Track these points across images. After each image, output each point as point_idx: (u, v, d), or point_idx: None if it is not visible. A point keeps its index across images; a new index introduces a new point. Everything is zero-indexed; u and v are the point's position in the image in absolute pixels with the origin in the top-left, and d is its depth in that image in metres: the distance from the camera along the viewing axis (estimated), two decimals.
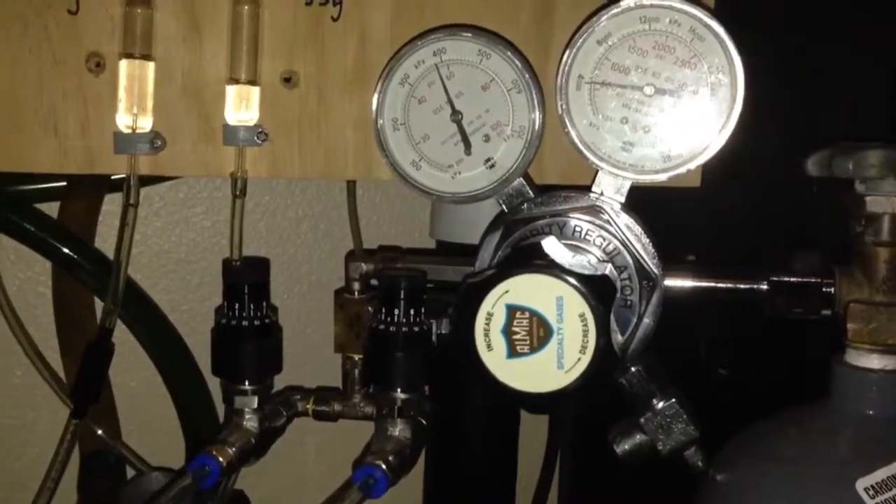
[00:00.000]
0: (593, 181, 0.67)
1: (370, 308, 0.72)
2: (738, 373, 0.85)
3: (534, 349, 0.55)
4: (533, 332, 0.54)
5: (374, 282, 0.74)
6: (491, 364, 0.55)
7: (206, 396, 0.90)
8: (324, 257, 1.05)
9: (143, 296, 0.94)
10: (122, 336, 0.94)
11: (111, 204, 0.94)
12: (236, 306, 0.67)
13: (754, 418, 0.68)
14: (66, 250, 0.88)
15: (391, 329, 0.66)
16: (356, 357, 0.73)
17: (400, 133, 0.69)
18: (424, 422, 0.69)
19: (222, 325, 0.68)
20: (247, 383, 0.69)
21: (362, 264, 0.73)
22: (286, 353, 0.73)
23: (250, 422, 0.69)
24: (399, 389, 0.67)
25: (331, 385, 0.80)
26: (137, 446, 0.92)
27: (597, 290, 0.54)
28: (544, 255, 0.55)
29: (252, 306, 0.67)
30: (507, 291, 0.54)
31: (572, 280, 0.54)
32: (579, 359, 0.54)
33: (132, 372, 0.98)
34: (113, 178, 0.89)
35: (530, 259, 0.55)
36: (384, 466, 0.63)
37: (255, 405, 0.69)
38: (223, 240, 1.01)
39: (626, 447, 0.68)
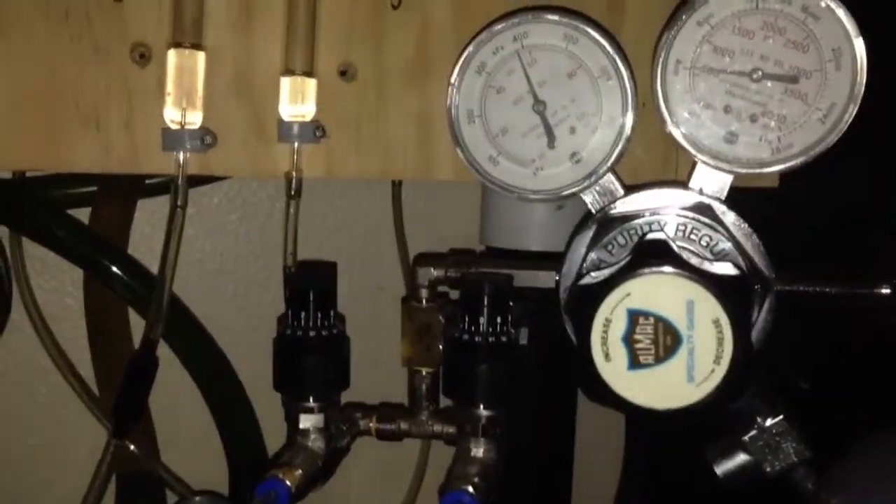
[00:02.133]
0: (689, 176, 0.60)
1: (441, 317, 0.64)
2: (821, 386, 0.77)
3: (659, 359, 0.47)
4: (659, 341, 0.47)
5: (444, 289, 0.66)
6: (609, 376, 0.48)
7: (249, 414, 0.82)
8: (364, 265, 0.96)
9: (184, 311, 0.85)
10: (160, 352, 0.86)
11: (142, 210, 0.86)
12: (301, 315, 0.59)
13: (840, 436, 0.61)
14: (98, 257, 0.80)
15: (475, 339, 0.58)
16: (425, 371, 0.66)
17: (476, 126, 0.61)
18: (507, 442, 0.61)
19: (286, 336, 0.60)
20: (312, 400, 0.60)
21: (432, 269, 0.65)
22: None
23: (316, 442, 0.61)
24: (483, 405, 0.59)
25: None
26: (177, 468, 0.84)
27: (733, 292, 0.46)
28: (671, 254, 0.48)
29: (319, 315, 0.59)
30: (628, 294, 0.47)
31: (706, 281, 0.46)
32: (713, 371, 0.47)
33: (169, 388, 0.89)
34: (147, 182, 0.81)
35: (654, 258, 0.48)
36: (472, 490, 0.55)
37: (322, 424, 0.61)
38: (259, 247, 0.93)
39: (729, 468, 0.60)
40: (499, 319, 0.58)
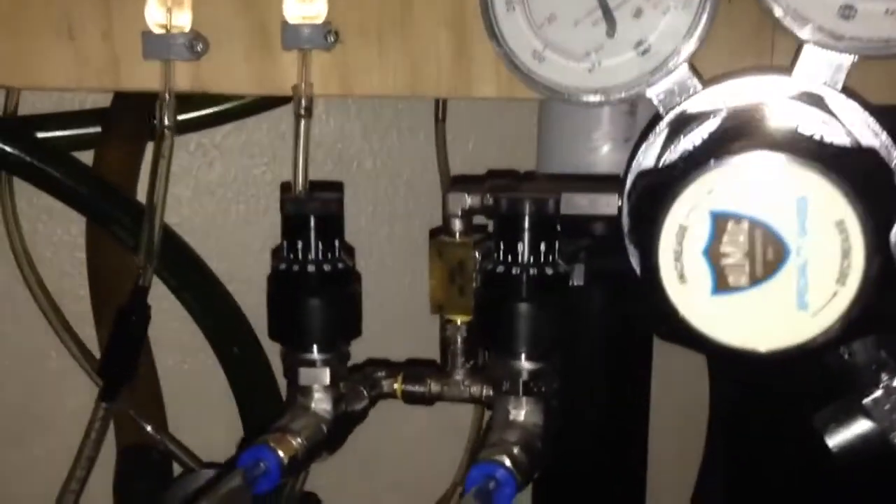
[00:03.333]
0: (793, 64, 0.45)
1: (478, 253, 0.51)
2: None
3: (757, 280, 0.33)
4: (755, 254, 0.33)
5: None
6: (685, 304, 0.34)
7: (270, 380, 0.70)
8: (396, 197, 0.84)
9: (196, 261, 0.74)
10: (172, 309, 0.76)
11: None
12: (299, 245, 0.47)
13: None
14: (101, 204, 0.69)
15: (513, 270, 0.45)
16: (459, 320, 0.53)
17: (516, 14, 0.49)
18: (556, 405, 0.48)
19: (281, 272, 0.48)
20: (315, 350, 0.48)
21: (466, 196, 0.52)
22: None
23: (321, 403, 0.49)
24: (525, 356, 0.46)
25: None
26: (187, 439, 0.73)
27: (866, 182, 0.32)
28: (770, 131, 0.33)
29: (321, 245, 0.47)
30: (711, 191, 0.33)
31: (826, 167, 0.32)
32: (835, 294, 0.32)
33: (181, 351, 0.79)
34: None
35: (747, 138, 0.33)
36: (508, 463, 0.42)
37: (328, 380, 0.48)
38: None
39: (845, 438, 0.45)
40: (543, 247, 0.45)
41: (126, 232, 0.68)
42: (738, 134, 0.34)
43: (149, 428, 0.66)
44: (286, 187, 0.50)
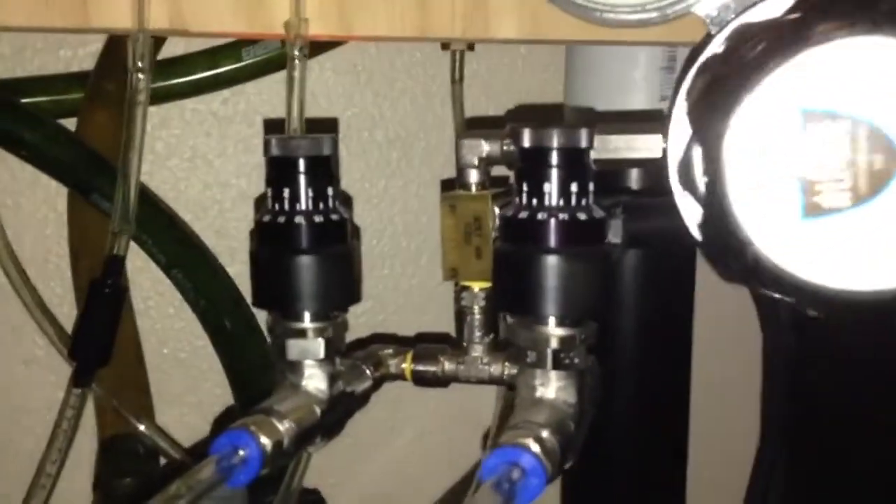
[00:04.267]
0: None
1: (497, 209, 0.43)
2: None
3: (860, 198, 0.25)
4: (859, 164, 0.25)
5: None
6: (762, 233, 0.26)
7: (268, 365, 0.63)
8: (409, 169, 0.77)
9: (188, 236, 0.67)
10: (163, 290, 0.69)
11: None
12: (286, 193, 0.39)
13: None
14: (82, 173, 0.62)
15: (539, 217, 0.37)
16: (477, 287, 0.45)
17: None
18: (592, 381, 0.40)
19: (265, 224, 0.40)
20: (307, 318, 0.40)
21: (483, 142, 0.44)
22: None
23: (313, 380, 0.41)
24: (554, 321, 0.38)
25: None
26: (176, 431, 0.65)
27: None
28: (873, 6, 0.25)
29: (311, 193, 0.39)
30: (800, 82, 0.25)
31: None
32: None
33: (171, 334, 0.72)
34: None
35: (843, 12, 0.25)
36: (535, 448, 0.34)
37: (322, 353, 0.41)
38: None
39: None
40: (574, 187, 0.37)
41: (110, 203, 0.61)
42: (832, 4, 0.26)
43: (133, 419, 0.58)
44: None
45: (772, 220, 0.25)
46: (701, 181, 0.37)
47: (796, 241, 0.25)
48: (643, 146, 0.41)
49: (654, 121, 0.46)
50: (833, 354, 0.45)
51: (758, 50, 0.25)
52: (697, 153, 0.36)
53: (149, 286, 0.72)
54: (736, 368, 0.78)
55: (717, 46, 0.37)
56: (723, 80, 0.25)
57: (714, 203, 0.25)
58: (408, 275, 0.76)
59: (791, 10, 0.27)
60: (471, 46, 0.69)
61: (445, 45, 0.70)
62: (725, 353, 0.78)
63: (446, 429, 0.76)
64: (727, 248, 0.26)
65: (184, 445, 0.64)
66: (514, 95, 0.76)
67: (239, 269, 0.71)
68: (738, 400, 0.75)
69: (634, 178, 0.60)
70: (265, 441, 0.37)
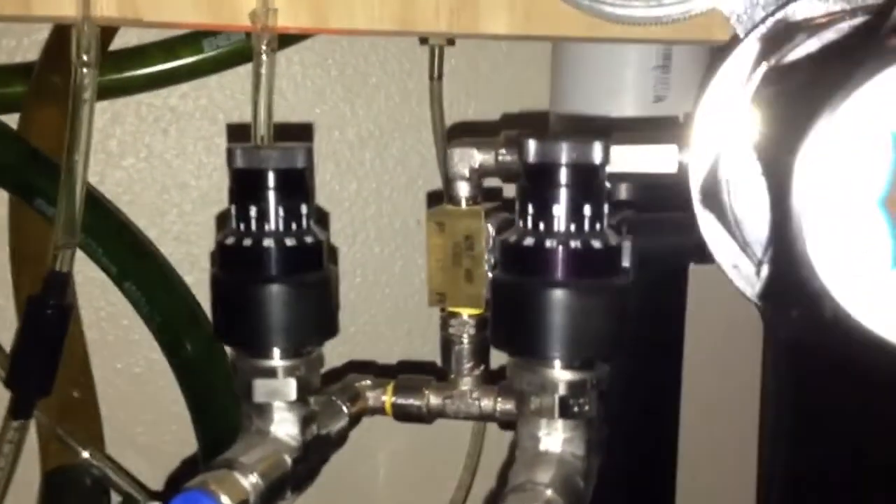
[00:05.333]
0: None
1: (491, 226, 0.38)
2: None
3: None
4: None
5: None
6: (842, 285, 0.21)
7: (233, 390, 0.57)
8: (384, 171, 0.71)
9: (141, 244, 0.61)
10: (115, 299, 0.63)
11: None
12: (252, 211, 0.34)
13: None
14: (25, 175, 0.56)
15: (547, 244, 0.32)
16: (466, 314, 0.40)
17: None
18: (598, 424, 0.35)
19: (228, 247, 0.34)
20: (276, 354, 0.35)
21: (475, 151, 0.39)
22: None
23: (284, 426, 0.35)
24: (562, 361, 0.33)
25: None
26: (132, 460, 0.60)
27: None
28: None
29: (282, 211, 0.34)
30: (888, 101, 0.20)
31: None
32: None
33: (125, 348, 0.66)
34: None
35: None
36: None
37: (293, 395, 0.35)
38: None
39: None
40: (588, 210, 0.32)
41: (55, 208, 0.55)
42: None
43: (81, 449, 0.52)
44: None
45: (856, 268, 0.20)
46: (731, 201, 0.33)
47: (885, 295, 0.21)
48: (653, 158, 0.36)
49: (655, 129, 0.41)
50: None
51: (834, 63, 0.20)
52: (730, 170, 0.32)
53: (99, 294, 0.66)
54: (729, 386, 0.74)
55: (751, 46, 0.32)
56: (795, 95, 0.21)
57: (783, 243, 0.20)
58: (381, 283, 0.71)
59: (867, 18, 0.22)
60: (451, 41, 0.64)
61: (424, 40, 0.65)
62: (717, 368, 0.74)
63: (421, 456, 0.71)
64: (792, 295, 0.21)
65: (134, 473, 0.59)
66: (495, 94, 0.71)
67: (198, 278, 0.66)
68: (731, 421, 0.71)
69: (623, 191, 0.56)
70: (227, 501, 0.32)
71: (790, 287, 0.21)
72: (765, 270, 0.23)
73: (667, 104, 0.60)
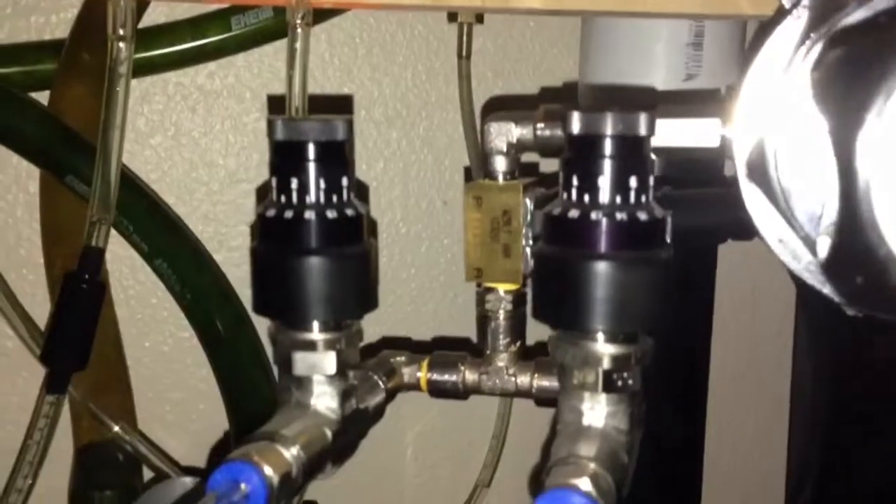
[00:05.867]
0: None
1: (528, 200, 0.38)
2: None
3: None
4: None
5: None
6: None
7: (264, 367, 0.57)
8: (410, 150, 0.71)
9: (172, 222, 0.61)
10: (144, 277, 0.63)
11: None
12: (293, 184, 0.34)
13: None
14: (57, 151, 0.56)
15: (591, 216, 0.31)
16: (503, 289, 0.39)
17: None
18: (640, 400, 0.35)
19: (269, 220, 0.34)
20: (316, 327, 0.35)
21: (513, 125, 0.39)
22: None
23: (323, 399, 0.35)
24: (606, 334, 0.32)
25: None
26: (161, 438, 0.60)
27: None
28: None
29: (323, 184, 0.34)
30: None
31: None
32: None
33: (154, 326, 0.66)
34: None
35: None
36: (589, 488, 0.29)
37: (333, 369, 0.35)
38: None
39: None
40: (633, 182, 0.31)
41: (87, 185, 0.55)
42: None
43: (113, 424, 0.53)
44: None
45: None
46: (778, 174, 0.32)
47: None
48: (695, 132, 0.35)
49: (687, 102, 0.41)
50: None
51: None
52: (778, 145, 0.31)
53: (128, 272, 0.66)
54: (756, 367, 0.74)
55: (799, 17, 0.32)
56: (860, 63, 0.20)
57: (850, 209, 0.19)
58: (406, 264, 0.71)
59: None
60: (480, 18, 0.64)
61: (452, 17, 0.64)
62: (743, 350, 0.74)
63: (447, 433, 0.71)
64: (858, 262, 0.21)
65: (166, 449, 0.59)
66: (523, 71, 0.70)
67: (227, 257, 0.66)
68: (759, 400, 0.71)
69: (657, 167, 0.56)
70: (270, 473, 0.31)
71: (856, 255, 0.20)
72: (823, 241, 0.23)
73: (697, 82, 0.59)
